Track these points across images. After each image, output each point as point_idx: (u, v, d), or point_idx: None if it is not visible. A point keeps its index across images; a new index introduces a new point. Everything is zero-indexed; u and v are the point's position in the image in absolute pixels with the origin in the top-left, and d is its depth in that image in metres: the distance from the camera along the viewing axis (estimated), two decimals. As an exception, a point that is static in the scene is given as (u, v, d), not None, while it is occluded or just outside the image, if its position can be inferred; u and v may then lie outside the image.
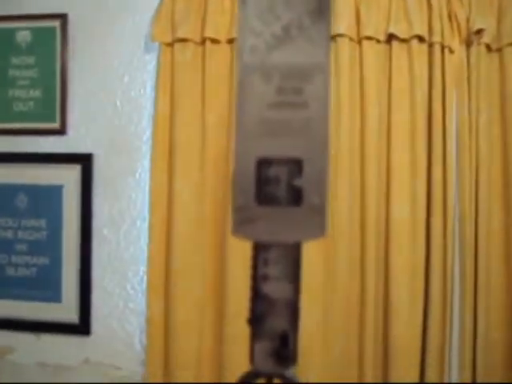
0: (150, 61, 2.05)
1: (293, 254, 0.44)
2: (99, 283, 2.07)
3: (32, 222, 2.09)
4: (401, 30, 1.87)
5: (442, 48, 1.86)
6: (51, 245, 2.08)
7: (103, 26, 2.09)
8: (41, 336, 2.11)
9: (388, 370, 1.86)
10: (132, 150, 2.07)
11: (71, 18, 2.07)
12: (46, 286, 2.09)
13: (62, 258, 2.07)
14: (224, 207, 1.90)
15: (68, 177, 2.07)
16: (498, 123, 1.88)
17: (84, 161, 2.07)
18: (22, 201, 2.10)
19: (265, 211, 0.43)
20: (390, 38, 1.89)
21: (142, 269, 2.04)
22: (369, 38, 1.88)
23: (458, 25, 1.87)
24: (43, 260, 2.09)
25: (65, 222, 2.07)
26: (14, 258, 2.11)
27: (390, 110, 1.89)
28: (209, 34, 1.91)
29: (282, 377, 0.44)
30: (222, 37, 1.93)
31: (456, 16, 1.86)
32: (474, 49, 1.87)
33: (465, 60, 1.89)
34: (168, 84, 1.96)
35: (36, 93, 2.08)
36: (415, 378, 1.86)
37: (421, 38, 1.87)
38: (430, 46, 1.88)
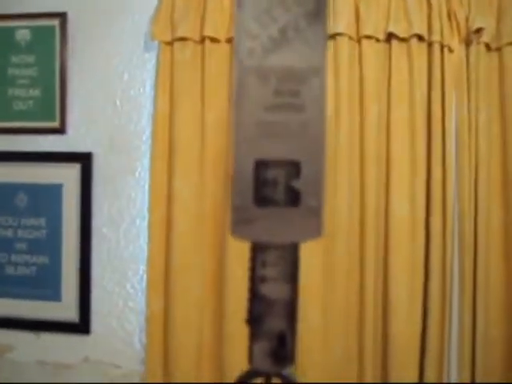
0: (150, 59, 2.05)
1: (290, 254, 0.44)
2: (99, 282, 2.08)
3: (32, 221, 2.10)
4: (400, 29, 1.87)
5: (442, 47, 1.86)
6: (51, 244, 2.08)
7: (103, 24, 2.09)
8: (40, 335, 2.11)
9: (387, 369, 1.87)
10: (131, 148, 2.07)
11: (71, 17, 2.07)
12: (45, 284, 2.09)
13: (62, 257, 2.08)
14: (223, 206, 1.91)
15: (68, 176, 2.07)
16: (498, 122, 1.88)
17: (83, 160, 2.07)
18: (21, 200, 2.10)
19: (263, 212, 0.43)
20: (390, 36, 1.89)
21: (142, 268, 2.05)
22: (368, 37, 1.88)
23: (458, 24, 1.87)
24: (43, 259, 2.09)
25: (64, 221, 2.08)
26: (13, 257, 2.11)
27: (390, 109, 1.89)
28: (208, 32, 1.91)
29: (279, 376, 0.45)
30: (222, 36, 1.93)
31: (455, 15, 1.86)
32: (473, 48, 1.87)
33: (464, 59, 1.89)
34: (167, 83, 1.96)
35: (35, 92, 2.08)
36: (414, 376, 1.87)
37: (420, 37, 1.87)
38: (430, 45, 1.88)
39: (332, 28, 1.85)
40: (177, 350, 1.92)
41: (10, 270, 2.11)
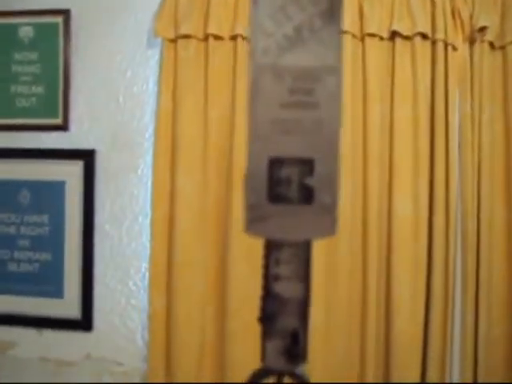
0: (153, 56, 2.05)
1: (304, 252, 0.45)
2: (101, 279, 2.08)
3: (34, 218, 2.10)
4: (404, 28, 1.86)
5: (446, 45, 1.86)
6: (53, 240, 2.08)
7: (106, 21, 2.09)
8: (43, 331, 2.12)
9: (389, 367, 1.87)
10: (134, 145, 2.07)
11: (74, 14, 2.07)
12: (48, 281, 2.09)
13: (65, 254, 2.08)
14: (226, 203, 1.91)
15: (70, 173, 2.07)
16: (501, 121, 1.88)
17: (86, 157, 2.07)
18: (24, 196, 2.10)
19: (276, 209, 0.43)
20: (394, 35, 1.89)
21: (144, 265, 2.05)
22: (372, 35, 1.88)
23: (462, 22, 1.87)
24: (45, 256, 2.09)
25: (67, 218, 2.08)
26: (16, 254, 2.11)
27: (393, 108, 1.89)
28: (212, 30, 1.91)
29: (292, 374, 0.45)
30: (225, 33, 1.93)
31: (459, 13, 1.86)
32: (477, 46, 1.87)
33: (468, 58, 1.89)
34: (171, 80, 1.96)
35: (38, 88, 2.08)
36: (416, 375, 1.87)
37: (424, 36, 1.87)
38: (434, 43, 1.88)
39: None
40: (179, 348, 1.92)
41: (12, 267, 2.11)
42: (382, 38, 1.90)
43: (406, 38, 1.88)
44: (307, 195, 0.44)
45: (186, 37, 1.93)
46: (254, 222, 0.43)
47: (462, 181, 1.88)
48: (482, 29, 1.86)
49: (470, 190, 1.86)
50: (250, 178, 0.43)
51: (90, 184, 2.06)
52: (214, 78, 1.93)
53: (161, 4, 1.98)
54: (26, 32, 2.09)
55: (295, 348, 0.44)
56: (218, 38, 1.93)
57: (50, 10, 2.07)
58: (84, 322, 2.07)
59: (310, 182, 0.43)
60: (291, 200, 0.44)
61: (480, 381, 1.85)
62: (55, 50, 2.07)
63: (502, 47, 1.88)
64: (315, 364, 1.84)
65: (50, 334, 2.11)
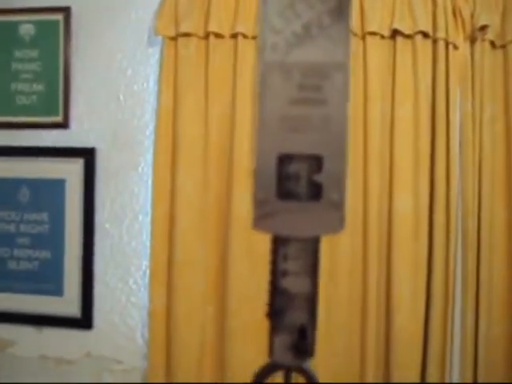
0: (153, 54, 2.05)
1: (312, 248, 0.45)
2: (101, 277, 2.08)
3: (34, 216, 2.10)
4: (405, 26, 1.87)
5: (447, 44, 1.86)
6: (53, 238, 2.08)
7: (106, 19, 2.08)
8: (42, 329, 2.12)
9: (390, 365, 1.87)
10: (135, 144, 2.07)
11: (74, 12, 2.07)
12: (47, 279, 2.09)
13: (64, 252, 2.08)
14: (227, 201, 1.91)
15: (70, 171, 2.07)
16: (502, 119, 1.89)
17: (87, 155, 2.07)
18: (24, 194, 2.10)
19: (285, 206, 0.44)
20: (395, 33, 1.89)
21: (145, 263, 2.05)
22: (373, 34, 1.88)
23: (463, 21, 1.87)
24: (45, 254, 2.09)
25: (67, 216, 2.08)
26: (16, 252, 2.11)
27: (394, 106, 1.89)
28: (212, 28, 1.91)
29: (299, 369, 0.45)
30: (226, 31, 1.93)
31: (460, 12, 1.87)
32: (478, 45, 1.87)
33: (469, 56, 1.89)
34: (171, 78, 1.96)
35: (39, 86, 2.08)
36: (416, 373, 1.87)
37: (425, 34, 1.87)
38: (434, 42, 1.88)
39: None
40: (179, 346, 1.92)
41: (12, 265, 2.11)
42: (383, 37, 1.90)
43: (407, 36, 1.88)
44: (315, 192, 0.44)
45: (187, 35, 1.93)
46: (262, 218, 0.44)
47: (463, 179, 1.88)
48: (483, 28, 1.86)
49: (471, 189, 1.86)
50: (258, 175, 0.43)
51: (90, 182, 2.06)
52: (215, 76, 1.93)
53: (161, 2, 1.98)
54: (26, 30, 2.09)
55: (303, 343, 0.45)
56: (218, 36, 1.93)
57: (51, 8, 2.07)
58: (84, 321, 2.07)
59: (319, 178, 0.44)
60: (300, 196, 0.44)
61: (480, 380, 1.85)
62: (55, 47, 2.06)
63: (503, 46, 1.88)
64: (316, 361, 1.84)
65: (49, 332, 2.11)
